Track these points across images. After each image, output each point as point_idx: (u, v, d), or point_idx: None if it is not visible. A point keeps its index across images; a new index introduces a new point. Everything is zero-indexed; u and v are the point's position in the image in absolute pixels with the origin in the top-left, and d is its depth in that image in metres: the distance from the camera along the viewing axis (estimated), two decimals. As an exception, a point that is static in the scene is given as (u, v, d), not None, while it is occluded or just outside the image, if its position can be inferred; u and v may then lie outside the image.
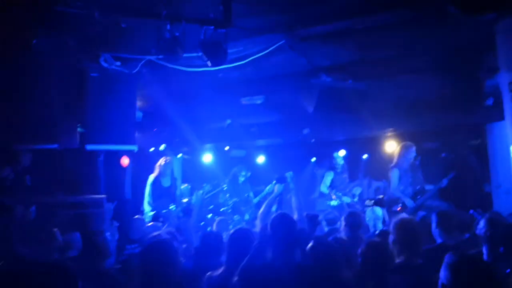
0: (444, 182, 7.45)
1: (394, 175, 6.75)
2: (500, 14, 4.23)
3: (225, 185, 8.38)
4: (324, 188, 8.07)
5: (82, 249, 3.97)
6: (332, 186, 8.05)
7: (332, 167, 8.26)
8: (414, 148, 6.89)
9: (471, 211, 5.32)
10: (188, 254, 4.14)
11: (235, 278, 2.90)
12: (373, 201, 4.69)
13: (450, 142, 9.19)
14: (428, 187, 7.59)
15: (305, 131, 7.58)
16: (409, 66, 6.00)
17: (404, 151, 6.83)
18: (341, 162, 8.25)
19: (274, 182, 5.35)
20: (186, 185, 8.23)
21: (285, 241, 3.00)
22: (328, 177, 8.15)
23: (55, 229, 4.07)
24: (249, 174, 8.63)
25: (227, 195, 8.31)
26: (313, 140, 8.94)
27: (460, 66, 5.93)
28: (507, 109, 4.49)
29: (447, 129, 8.11)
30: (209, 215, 8.41)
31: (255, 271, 2.91)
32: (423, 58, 5.73)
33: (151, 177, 6.96)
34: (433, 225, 4.26)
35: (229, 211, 8.20)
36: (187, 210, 6.34)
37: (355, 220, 4.49)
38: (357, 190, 8.30)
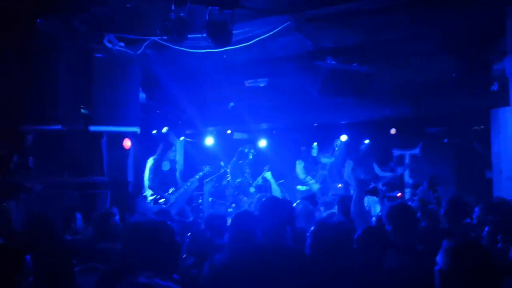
0: (399, 170, 7.82)
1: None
2: (509, -3, 4.17)
3: (228, 168, 8.41)
4: (301, 175, 8.31)
5: (94, 230, 4.00)
6: (306, 173, 8.28)
7: (303, 156, 8.45)
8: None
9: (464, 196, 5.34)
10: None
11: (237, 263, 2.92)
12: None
13: (454, 128, 9.18)
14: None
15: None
16: (415, 49, 5.93)
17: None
18: (315, 151, 8.43)
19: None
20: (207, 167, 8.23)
21: (275, 223, 3.01)
22: (299, 166, 8.33)
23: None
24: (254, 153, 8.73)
25: (229, 176, 8.35)
26: (314, 124, 8.98)
27: (468, 49, 5.86)
28: (513, 94, 4.45)
29: (451, 114, 8.09)
30: (210, 199, 8.49)
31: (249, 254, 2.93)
32: (429, 40, 5.66)
33: (150, 161, 6.93)
34: (441, 211, 4.30)
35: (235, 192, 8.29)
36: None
37: (346, 205, 4.49)
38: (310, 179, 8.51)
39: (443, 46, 5.91)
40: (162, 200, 6.70)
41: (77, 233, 4.29)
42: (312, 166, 8.44)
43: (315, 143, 8.52)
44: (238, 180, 8.35)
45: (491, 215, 3.90)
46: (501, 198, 4.48)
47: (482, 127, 8.18)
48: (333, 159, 8.70)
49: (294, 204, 4.99)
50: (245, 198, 8.10)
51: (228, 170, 8.43)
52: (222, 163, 8.62)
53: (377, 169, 8.38)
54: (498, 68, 5.63)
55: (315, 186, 8.17)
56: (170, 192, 6.92)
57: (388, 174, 8.33)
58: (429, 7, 4.68)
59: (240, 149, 8.69)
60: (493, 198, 5.29)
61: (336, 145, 8.54)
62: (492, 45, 5.47)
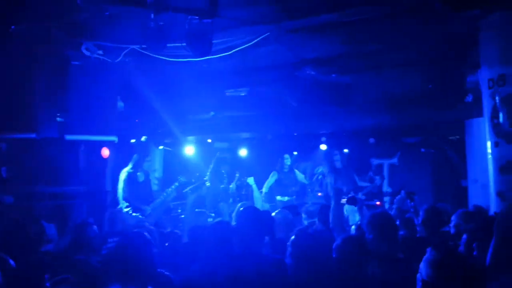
0: (378, 181, 7.98)
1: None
2: (484, 11, 4.30)
3: (207, 176, 8.36)
4: (265, 188, 8.27)
5: (71, 241, 3.91)
6: (279, 185, 8.28)
7: (280, 169, 8.42)
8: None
9: (441, 205, 5.44)
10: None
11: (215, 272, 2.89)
12: (345, 199, 4.77)
13: (430, 138, 9.37)
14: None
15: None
16: (393, 61, 6.05)
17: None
18: (288, 162, 8.43)
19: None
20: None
21: (252, 233, 3.00)
22: (272, 178, 8.33)
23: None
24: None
25: (208, 183, 8.30)
26: (295, 133, 9.00)
27: (443, 61, 6.02)
28: (486, 106, 4.57)
29: (428, 124, 8.26)
30: (196, 209, 8.39)
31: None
32: (407, 53, 5.79)
33: (124, 173, 6.86)
34: (419, 220, 4.35)
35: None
36: None
37: (325, 214, 4.51)
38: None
39: (420, 58, 6.05)
40: (136, 214, 6.62)
41: (49, 242, 4.17)
42: (287, 177, 8.41)
43: (286, 155, 8.50)
44: (222, 186, 8.28)
45: (468, 223, 3.98)
46: (478, 206, 4.58)
47: (457, 137, 8.39)
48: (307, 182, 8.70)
49: (273, 214, 4.99)
50: (225, 205, 8.05)
51: (206, 178, 8.38)
52: (197, 174, 8.59)
53: (356, 179, 8.44)
54: (472, 80, 5.79)
55: (283, 199, 8.14)
56: (173, 187, 6.99)
57: (367, 185, 8.39)
58: (406, 20, 4.79)
59: (217, 155, 8.66)
60: (470, 207, 5.39)
61: (284, 159, 8.46)
62: (466, 57, 5.63)
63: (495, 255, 2.47)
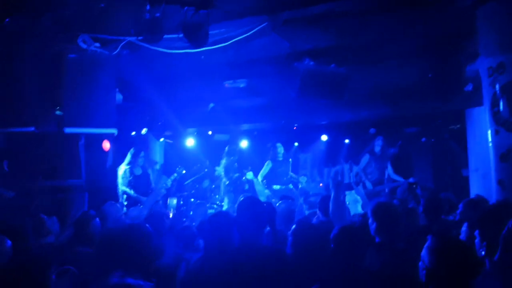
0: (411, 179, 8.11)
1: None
2: (479, 0, 4.26)
3: (220, 167, 8.39)
4: (260, 176, 8.29)
5: (73, 233, 3.92)
6: (273, 175, 8.29)
7: (273, 157, 8.42)
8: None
9: (444, 194, 5.45)
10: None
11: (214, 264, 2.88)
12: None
13: (431, 127, 9.35)
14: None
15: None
16: (391, 52, 6.02)
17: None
18: (281, 151, 8.42)
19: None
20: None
21: (252, 223, 2.99)
22: (267, 167, 8.33)
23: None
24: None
25: (223, 175, 8.31)
26: (295, 125, 8.98)
27: (441, 52, 5.98)
28: (486, 94, 4.55)
29: (428, 114, 8.24)
30: (191, 199, 8.43)
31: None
32: (405, 43, 5.75)
33: (123, 168, 6.94)
34: (420, 209, 4.36)
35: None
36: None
37: (326, 205, 4.52)
38: (303, 179, 8.68)
39: (419, 48, 6.01)
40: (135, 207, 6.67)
41: (49, 234, 4.19)
42: (281, 166, 8.40)
43: (278, 143, 8.50)
44: (236, 175, 8.25)
45: (471, 211, 3.99)
46: (480, 196, 4.59)
47: (458, 126, 8.36)
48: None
49: (277, 204, 5.00)
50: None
51: (220, 169, 8.38)
52: (207, 162, 8.58)
53: (390, 170, 8.42)
54: (472, 69, 5.75)
55: (268, 193, 8.11)
56: (172, 178, 7.06)
57: (399, 179, 8.34)
58: (403, 10, 4.75)
59: (227, 147, 8.65)
60: (472, 196, 5.40)
61: (277, 148, 8.44)
62: (465, 46, 5.59)
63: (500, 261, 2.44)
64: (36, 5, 4.10)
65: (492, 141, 4.46)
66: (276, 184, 8.29)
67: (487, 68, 4.42)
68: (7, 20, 3.93)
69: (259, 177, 8.24)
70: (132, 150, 7.07)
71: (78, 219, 3.98)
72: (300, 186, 8.64)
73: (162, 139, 9.02)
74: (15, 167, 5.82)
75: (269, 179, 8.30)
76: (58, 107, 5.52)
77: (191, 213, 7.65)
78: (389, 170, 8.33)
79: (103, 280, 2.04)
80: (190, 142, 9.05)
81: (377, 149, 8.24)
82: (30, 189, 5.52)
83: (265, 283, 2.75)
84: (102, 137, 6.63)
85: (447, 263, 2.11)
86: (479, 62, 4.68)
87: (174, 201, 8.35)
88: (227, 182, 8.19)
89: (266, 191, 8.07)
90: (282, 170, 8.37)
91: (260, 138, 9.84)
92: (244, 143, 9.66)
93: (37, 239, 3.95)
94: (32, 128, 5.16)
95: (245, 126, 9.10)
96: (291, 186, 8.38)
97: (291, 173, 8.54)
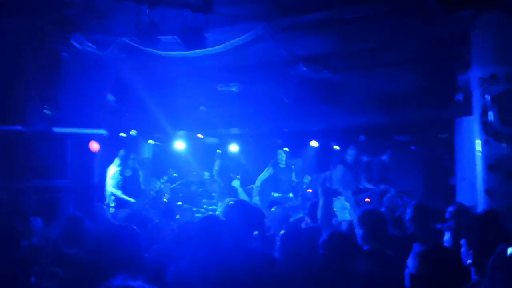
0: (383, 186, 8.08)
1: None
2: (477, 11, 4.31)
3: (214, 173, 8.36)
4: (258, 181, 8.27)
5: (62, 234, 3.86)
6: (274, 182, 8.28)
7: (275, 164, 8.42)
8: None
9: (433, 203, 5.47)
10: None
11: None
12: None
13: (420, 135, 9.43)
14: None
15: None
16: (385, 60, 6.07)
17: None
18: (283, 158, 8.43)
19: None
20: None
21: (241, 227, 2.98)
22: (267, 172, 8.34)
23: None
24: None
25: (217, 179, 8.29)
26: (286, 129, 8.98)
27: (434, 61, 6.04)
28: (476, 104, 4.60)
29: (418, 123, 8.30)
30: (179, 203, 8.36)
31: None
32: (399, 52, 5.81)
33: (113, 170, 6.90)
34: (407, 217, 4.36)
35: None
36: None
37: (315, 211, 4.52)
38: (307, 179, 8.59)
39: (412, 57, 6.07)
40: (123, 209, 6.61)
41: (32, 236, 4.12)
42: (283, 173, 8.37)
43: (280, 150, 8.50)
44: (238, 176, 8.21)
45: (455, 219, 4.01)
46: (457, 203, 4.61)
47: (447, 135, 8.44)
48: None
49: (273, 209, 4.98)
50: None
51: (213, 173, 8.34)
52: (206, 173, 8.55)
53: (362, 180, 8.42)
54: (463, 79, 5.82)
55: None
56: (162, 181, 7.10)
57: (371, 187, 8.37)
58: (398, 19, 4.80)
59: (218, 151, 8.62)
60: (452, 204, 5.44)
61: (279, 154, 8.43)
62: (457, 56, 5.65)
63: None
64: (33, 7, 4.06)
65: (482, 150, 4.50)
66: (276, 191, 8.23)
67: (478, 78, 4.47)
68: (2, 21, 3.87)
69: (257, 182, 8.17)
70: (122, 151, 7.03)
71: (66, 221, 3.92)
72: (304, 186, 8.51)
73: (151, 142, 8.95)
74: (1, 166, 5.72)
75: (270, 186, 8.24)
76: (46, 106, 5.47)
77: (178, 216, 7.59)
78: (362, 178, 8.32)
79: (104, 282, 2.00)
80: (180, 145, 8.98)
81: (349, 158, 8.17)
82: (17, 189, 5.43)
83: (253, 286, 2.73)
84: (90, 137, 6.58)
85: (429, 268, 2.11)
86: (470, 72, 4.74)
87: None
88: (222, 184, 8.15)
89: (256, 198, 7.99)
90: (283, 178, 8.31)
91: (252, 143, 9.82)
92: (234, 147, 9.63)
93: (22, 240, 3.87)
94: (21, 127, 5.10)
95: (235, 130, 9.08)
96: (291, 195, 8.31)
97: (294, 179, 8.46)
